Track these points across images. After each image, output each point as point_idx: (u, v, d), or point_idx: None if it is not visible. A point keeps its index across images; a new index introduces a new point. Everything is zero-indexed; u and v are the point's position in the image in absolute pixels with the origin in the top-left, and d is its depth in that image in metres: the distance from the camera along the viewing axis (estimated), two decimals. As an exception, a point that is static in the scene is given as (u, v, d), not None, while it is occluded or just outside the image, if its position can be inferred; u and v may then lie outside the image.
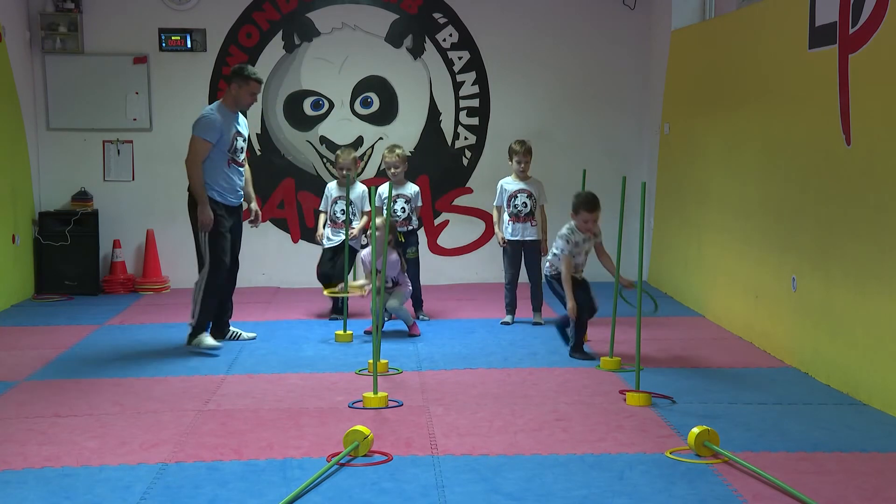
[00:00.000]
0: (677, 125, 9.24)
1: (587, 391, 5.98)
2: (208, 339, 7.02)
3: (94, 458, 4.78)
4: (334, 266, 8.12)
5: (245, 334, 7.44)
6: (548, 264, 7.00)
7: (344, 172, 8.00)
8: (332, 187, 8.38)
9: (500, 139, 10.23)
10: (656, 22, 9.92)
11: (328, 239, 8.32)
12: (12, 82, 9.24)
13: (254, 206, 7.50)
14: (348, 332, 7.47)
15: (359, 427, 4.81)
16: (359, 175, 8.55)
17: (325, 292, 7.97)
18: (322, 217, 8.41)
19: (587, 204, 6.82)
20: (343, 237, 8.06)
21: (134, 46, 9.89)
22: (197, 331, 7.02)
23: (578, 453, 4.80)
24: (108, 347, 7.31)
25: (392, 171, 8.09)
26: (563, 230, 6.87)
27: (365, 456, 4.74)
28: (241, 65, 7.20)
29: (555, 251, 6.93)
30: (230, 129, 7.03)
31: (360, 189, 8.31)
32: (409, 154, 8.40)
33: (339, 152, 8.39)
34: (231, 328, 7.44)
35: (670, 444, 4.94)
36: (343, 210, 8.09)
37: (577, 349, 6.89)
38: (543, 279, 7.31)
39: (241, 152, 7.17)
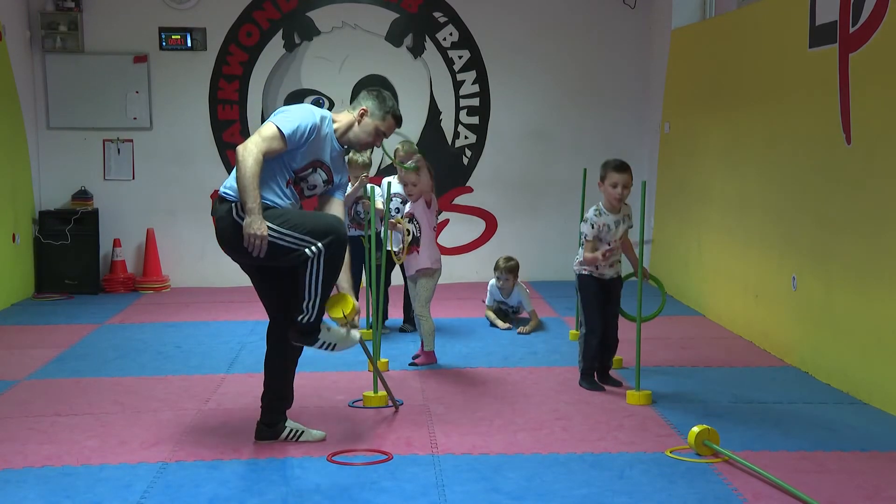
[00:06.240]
0: (677, 124, 9.24)
1: (587, 390, 5.97)
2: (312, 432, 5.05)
3: (94, 457, 4.78)
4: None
5: (312, 433, 5.04)
6: (576, 261, 6.04)
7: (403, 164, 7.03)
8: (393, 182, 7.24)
9: (500, 138, 10.25)
10: (656, 21, 9.92)
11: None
12: (12, 82, 9.24)
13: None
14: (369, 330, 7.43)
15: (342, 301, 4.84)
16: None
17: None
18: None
19: (617, 165, 5.89)
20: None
21: (134, 45, 9.89)
22: (313, 326, 4.75)
23: (578, 452, 4.80)
24: (108, 347, 7.31)
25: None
26: (589, 212, 5.95)
27: (364, 453, 4.73)
28: (380, 90, 5.09)
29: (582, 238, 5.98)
30: (317, 154, 4.88)
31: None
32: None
33: (398, 145, 7.46)
34: (289, 424, 5.04)
35: (670, 443, 4.94)
36: (396, 208, 7.32)
37: (585, 376, 6.05)
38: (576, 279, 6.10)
39: (312, 190, 4.99)
